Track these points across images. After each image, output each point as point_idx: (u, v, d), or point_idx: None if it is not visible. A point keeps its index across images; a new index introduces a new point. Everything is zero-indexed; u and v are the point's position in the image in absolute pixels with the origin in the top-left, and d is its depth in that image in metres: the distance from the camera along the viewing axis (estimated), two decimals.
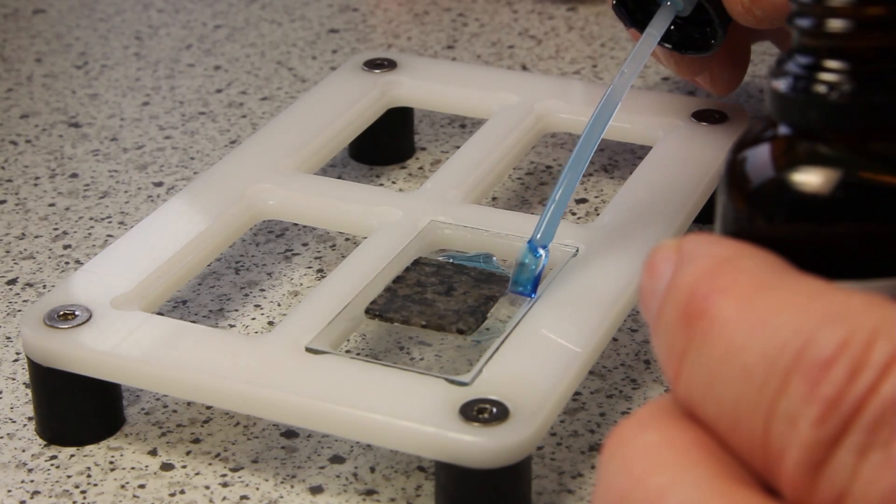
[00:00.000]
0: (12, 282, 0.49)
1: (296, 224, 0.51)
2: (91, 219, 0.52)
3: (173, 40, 0.66)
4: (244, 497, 0.40)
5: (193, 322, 0.43)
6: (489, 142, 0.50)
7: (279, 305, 0.47)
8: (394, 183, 0.54)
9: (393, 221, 0.46)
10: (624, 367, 0.44)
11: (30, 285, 0.49)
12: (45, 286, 0.49)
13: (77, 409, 0.41)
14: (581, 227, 0.45)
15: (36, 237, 0.51)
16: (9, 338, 0.46)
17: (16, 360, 0.45)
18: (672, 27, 0.47)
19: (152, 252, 0.44)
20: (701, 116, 0.51)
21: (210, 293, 0.48)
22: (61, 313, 0.41)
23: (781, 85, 0.28)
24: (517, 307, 0.42)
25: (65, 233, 0.52)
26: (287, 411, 0.38)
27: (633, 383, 0.44)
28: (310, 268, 0.49)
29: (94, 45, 0.66)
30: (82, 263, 0.49)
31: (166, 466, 0.41)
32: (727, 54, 0.50)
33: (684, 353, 0.26)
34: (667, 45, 0.48)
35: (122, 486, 0.40)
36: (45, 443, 0.42)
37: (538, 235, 0.42)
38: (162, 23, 0.68)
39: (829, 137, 0.28)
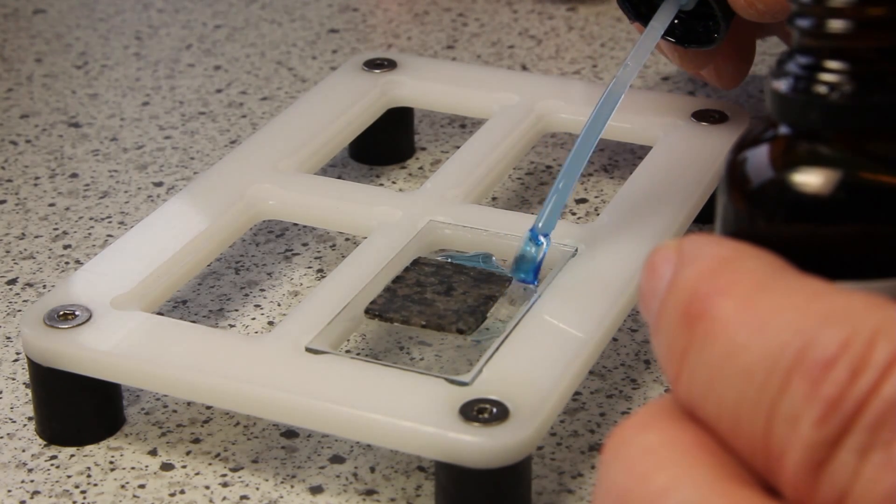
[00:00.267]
0: (12, 282, 0.49)
1: (296, 224, 0.51)
2: (91, 219, 0.52)
3: (173, 40, 0.66)
4: (244, 497, 0.40)
5: (193, 322, 0.43)
6: (489, 142, 0.50)
7: (279, 305, 0.47)
8: (394, 183, 0.54)
9: (392, 221, 0.46)
10: (624, 367, 0.44)
11: (30, 285, 0.49)
12: (45, 286, 0.49)
13: (77, 409, 0.41)
14: (581, 227, 0.45)
15: (36, 237, 0.51)
16: (9, 338, 0.46)
17: (16, 360, 0.45)
18: (676, 21, 0.47)
19: (152, 252, 0.44)
20: (701, 116, 0.51)
21: (210, 293, 0.48)
22: (61, 313, 0.41)
23: (782, 85, 0.28)
24: (517, 307, 0.42)
25: (65, 233, 0.52)
26: (287, 411, 0.38)
27: (633, 383, 0.44)
28: (310, 268, 0.49)
29: (94, 45, 0.66)
30: (82, 263, 0.49)
31: (166, 466, 0.41)
32: (732, 49, 0.50)
33: (685, 354, 0.26)
34: (670, 38, 0.48)
35: (122, 486, 0.40)
36: (45, 443, 0.42)
37: (540, 224, 0.42)
38: (162, 23, 0.68)
39: (830, 138, 0.28)
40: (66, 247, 0.51)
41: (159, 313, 0.44)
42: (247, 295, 0.48)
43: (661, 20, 0.45)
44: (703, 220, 0.49)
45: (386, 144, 0.55)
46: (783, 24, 0.53)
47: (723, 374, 0.25)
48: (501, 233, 0.45)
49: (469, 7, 0.69)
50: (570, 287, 0.42)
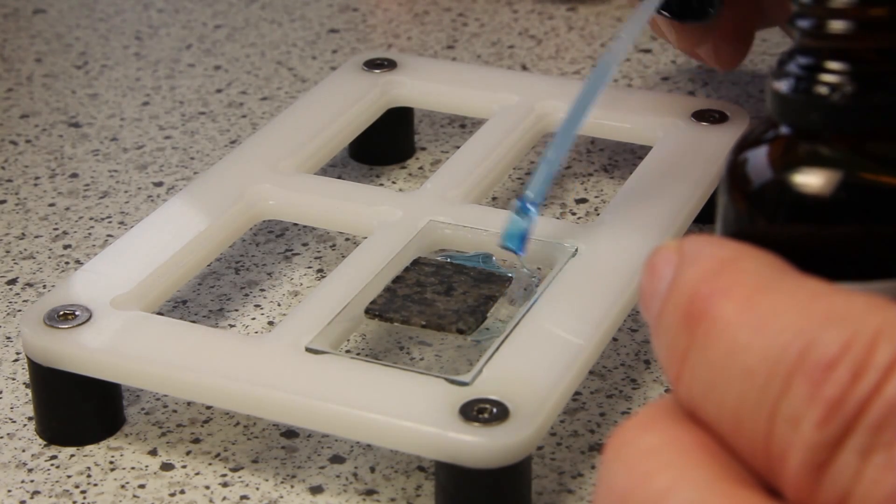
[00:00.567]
0: (12, 282, 0.49)
1: (296, 224, 0.51)
2: (91, 219, 0.52)
3: (173, 40, 0.66)
4: (244, 497, 0.40)
5: (193, 322, 0.43)
6: (489, 142, 0.50)
7: (279, 305, 0.47)
8: (394, 183, 0.54)
9: (393, 221, 0.46)
10: (624, 367, 0.44)
11: (30, 285, 0.49)
12: (45, 286, 0.49)
13: (77, 409, 0.41)
14: (581, 226, 0.45)
15: (36, 237, 0.51)
16: (9, 338, 0.46)
17: (16, 360, 0.45)
18: None
19: (152, 252, 0.44)
20: (701, 116, 0.51)
21: (210, 293, 0.48)
22: (61, 313, 0.41)
23: (782, 86, 0.28)
24: (517, 307, 0.42)
25: (65, 233, 0.52)
26: (287, 411, 0.38)
27: (633, 383, 0.44)
28: (310, 268, 0.49)
29: (94, 45, 0.66)
30: (82, 263, 0.49)
31: (166, 466, 0.41)
32: (731, 29, 0.50)
33: (686, 355, 0.26)
34: (665, 13, 0.48)
35: (122, 486, 0.40)
36: (45, 443, 0.42)
37: (530, 192, 0.42)
38: (162, 23, 0.68)
39: (830, 138, 0.28)
40: (66, 247, 0.51)
41: (159, 313, 0.44)
42: (247, 295, 0.48)
43: None
44: (703, 220, 0.49)
45: (386, 144, 0.55)
46: (782, 14, 0.53)
47: (724, 375, 0.25)
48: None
49: (469, 7, 0.69)
50: (570, 287, 0.42)
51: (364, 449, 0.41)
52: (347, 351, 0.44)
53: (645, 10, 0.45)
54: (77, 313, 0.41)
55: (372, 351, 0.45)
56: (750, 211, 0.28)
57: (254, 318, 0.47)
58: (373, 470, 0.40)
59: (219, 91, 0.61)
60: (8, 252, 0.51)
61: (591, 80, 0.44)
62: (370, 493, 0.40)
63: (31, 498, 0.40)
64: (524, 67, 0.63)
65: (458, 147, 0.52)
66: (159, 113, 0.60)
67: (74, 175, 0.55)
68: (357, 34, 0.66)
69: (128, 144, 0.57)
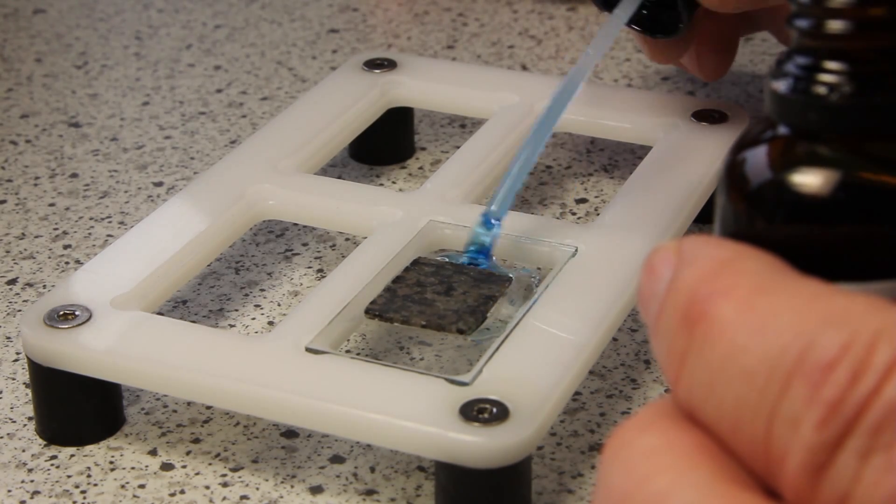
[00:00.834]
0: (12, 282, 0.49)
1: (296, 224, 0.51)
2: (91, 219, 0.52)
3: (173, 40, 0.66)
4: (244, 497, 0.40)
5: (193, 322, 0.43)
6: (489, 142, 0.50)
7: (279, 305, 0.47)
8: (394, 183, 0.54)
9: (392, 221, 0.46)
10: (624, 367, 0.44)
11: (30, 285, 0.49)
12: (45, 286, 0.49)
13: (77, 409, 0.41)
14: (581, 227, 0.45)
15: (36, 237, 0.51)
16: (9, 338, 0.46)
17: (16, 360, 0.45)
18: (644, 11, 0.47)
19: (152, 252, 0.44)
20: (701, 116, 0.51)
21: (210, 293, 0.48)
22: (61, 313, 0.41)
23: (781, 86, 0.28)
24: (517, 307, 0.42)
25: (65, 233, 0.52)
26: (287, 411, 0.38)
27: (633, 383, 0.44)
28: (310, 268, 0.49)
29: (94, 45, 0.66)
30: (82, 263, 0.49)
31: (166, 466, 0.41)
32: (713, 40, 0.51)
33: (684, 356, 0.26)
34: (636, 27, 0.48)
35: (122, 486, 0.40)
36: (45, 443, 0.42)
37: (493, 207, 0.43)
38: (162, 23, 0.68)
39: (829, 138, 0.28)
40: (66, 247, 0.51)
41: (159, 313, 0.44)
42: (247, 295, 0.48)
43: (625, 8, 0.46)
44: (703, 220, 0.49)
45: (386, 144, 0.55)
46: (770, 18, 0.53)
47: (723, 376, 0.25)
48: (501, 233, 0.45)
49: (469, 7, 0.69)
50: (569, 287, 0.42)
51: (364, 449, 0.41)
52: (347, 351, 0.45)
53: (613, 24, 0.46)
54: (77, 313, 0.41)
55: (372, 351, 0.45)
56: (748, 211, 0.28)
57: (254, 318, 0.47)
58: (373, 470, 0.40)
59: (219, 91, 0.61)
60: (8, 252, 0.51)
61: (558, 96, 0.44)
62: (370, 493, 0.40)
63: (31, 498, 0.40)
64: (524, 67, 0.63)
65: (458, 147, 0.52)
66: (159, 113, 0.60)
67: (74, 175, 0.55)
68: (357, 34, 0.66)
69: (128, 144, 0.57)
